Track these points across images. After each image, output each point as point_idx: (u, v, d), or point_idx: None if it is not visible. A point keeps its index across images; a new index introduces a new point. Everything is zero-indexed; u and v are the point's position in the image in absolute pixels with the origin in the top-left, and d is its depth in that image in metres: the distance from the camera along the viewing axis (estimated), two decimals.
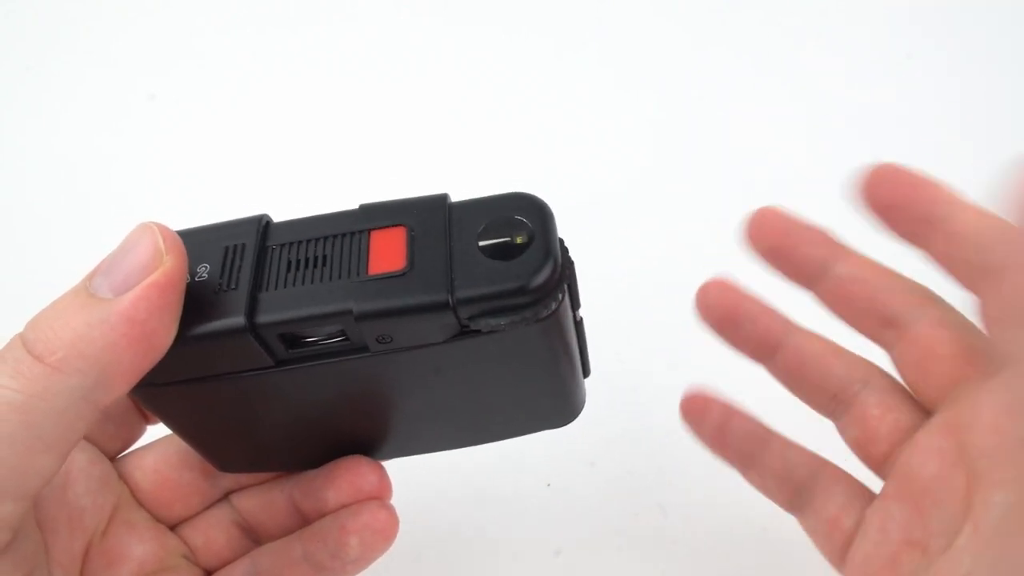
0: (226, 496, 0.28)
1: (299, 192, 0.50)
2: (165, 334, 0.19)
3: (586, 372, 0.25)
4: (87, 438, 0.26)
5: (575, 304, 0.22)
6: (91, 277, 0.19)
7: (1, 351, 0.18)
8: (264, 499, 0.28)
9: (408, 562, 0.34)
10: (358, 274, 0.20)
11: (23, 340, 0.18)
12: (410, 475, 0.30)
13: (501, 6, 0.58)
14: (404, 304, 0.19)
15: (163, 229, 0.20)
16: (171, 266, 0.19)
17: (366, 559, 0.26)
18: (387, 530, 0.26)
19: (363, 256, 0.20)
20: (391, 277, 0.19)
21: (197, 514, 0.28)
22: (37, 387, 0.17)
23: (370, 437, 0.26)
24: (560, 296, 0.20)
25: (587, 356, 0.25)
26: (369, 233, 0.21)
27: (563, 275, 0.20)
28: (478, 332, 0.20)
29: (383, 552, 0.26)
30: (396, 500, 0.27)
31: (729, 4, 0.57)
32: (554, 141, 0.51)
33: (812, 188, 0.49)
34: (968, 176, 0.51)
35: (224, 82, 0.55)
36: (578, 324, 0.23)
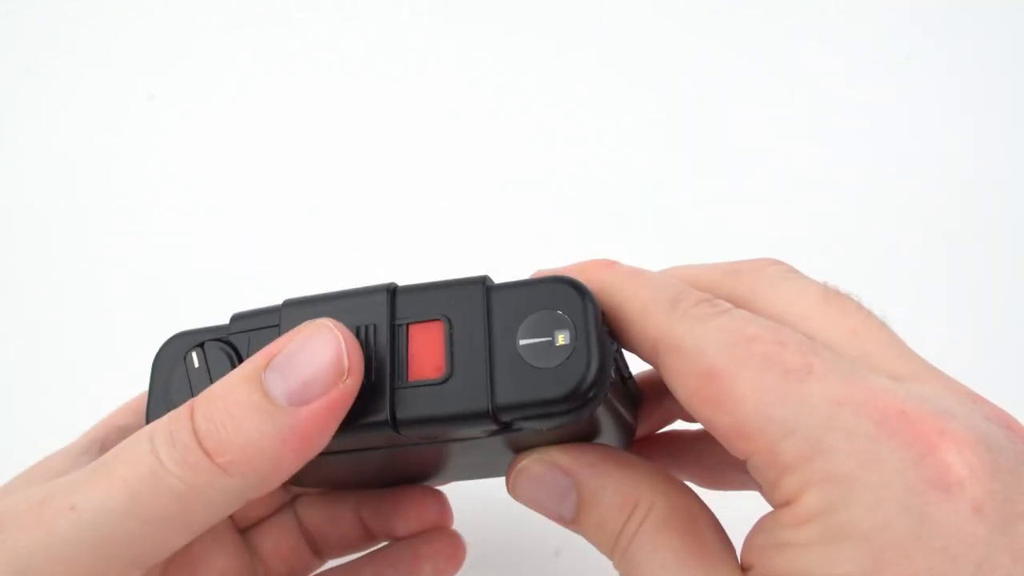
0: (292, 502, 0.29)
1: (299, 192, 0.50)
2: (322, 447, 0.19)
3: (630, 429, 0.24)
4: None
5: (625, 375, 0.22)
6: (264, 367, 0.18)
7: (162, 434, 0.18)
8: (330, 512, 0.29)
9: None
10: (400, 378, 0.20)
11: (195, 429, 0.18)
12: None
13: (501, 7, 0.57)
14: (444, 414, 0.19)
15: (348, 338, 0.19)
16: (352, 387, 0.19)
17: None
18: (457, 557, 0.29)
19: (402, 357, 0.20)
20: (431, 385, 0.20)
21: (267, 517, 0.29)
22: (201, 481, 0.17)
23: (428, 474, 0.28)
24: (603, 393, 0.19)
25: (636, 397, 0.24)
26: (407, 328, 0.20)
27: (604, 374, 0.19)
28: (520, 429, 0.20)
29: None
30: None
31: (728, 4, 0.57)
32: (553, 141, 0.51)
33: (812, 188, 0.49)
34: (968, 176, 0.51)
35: (224, 82, 0.55)
36: (627, 380, 0.23)
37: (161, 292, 0.46)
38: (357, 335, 0.20)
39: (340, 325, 0.19)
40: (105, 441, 0.22)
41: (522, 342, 0.19)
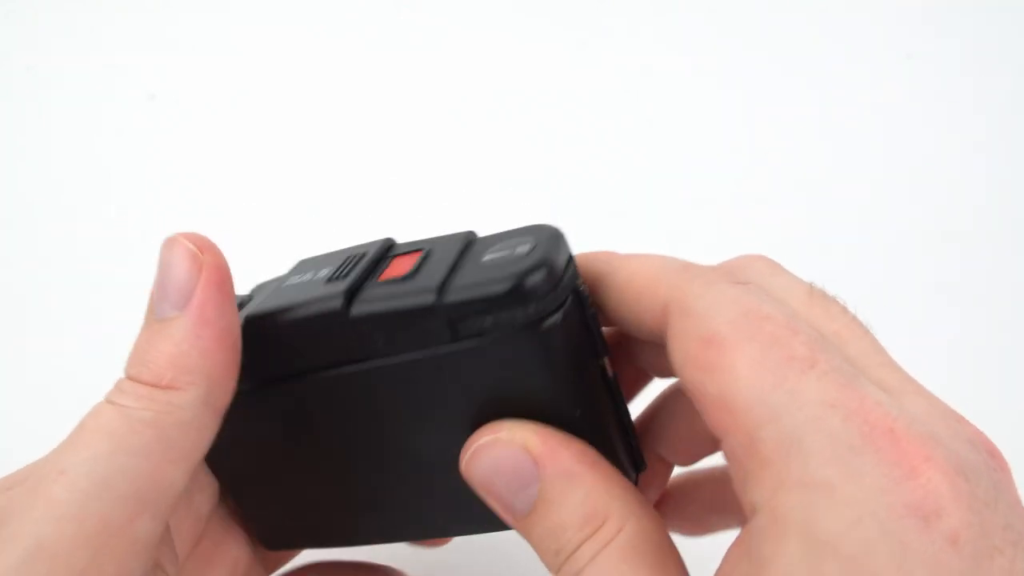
0: None
1: (299, 191, 0.50)
2: (236, 323, 0.20)
3: (638, 463, 0.22)
4: None
5: (599, 350, 0.20)
6: (151, 310, 0.20)
7: (113, 392, 0.20)
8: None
9: (408, 563, 0.34)
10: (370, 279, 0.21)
11: (129, 377, 0.20)
12: None
13: (501, 6, 0.57)
14: (394, 308, 0.20)
15: (187, 235, 0.21)
16: (213, 261, 0.20)
17: None
18: None
19: (379, 271, 0.21)
20: (393, 282, 0.20)
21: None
22: (161, 404, 0.19)
23: (404, 511, 0.25)
24: (555, 308, 0.19)
25: (631, 437, 0.22)
26: (391, 258, 0.22)
27: (559, 286, 0.19)
28: (472, 338, 0.19)
29: None
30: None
31: (728, 5, 0.57)
32: (553, 140, 0.51)
33: (812, 188, 0.49)
34: (968, 175, 0.51)
35: (224, 82, 0.55)
36: (609, 380, 0.21)
37: None
38: (345, 263, 0.22)
39: (180, 232, 0.21)
40: None
41: (486, 257, 0.20)
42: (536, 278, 0.18)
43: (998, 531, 0.14)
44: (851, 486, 0.14)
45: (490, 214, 0.48)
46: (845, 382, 0.16)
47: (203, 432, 0.20)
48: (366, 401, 0.22)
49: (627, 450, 0.21)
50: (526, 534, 0.19)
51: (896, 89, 0.52)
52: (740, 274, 0.20)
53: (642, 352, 0.23)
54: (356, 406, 0.22)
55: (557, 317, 0.19)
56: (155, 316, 0.20)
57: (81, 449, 0.18)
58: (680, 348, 0.17)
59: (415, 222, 0.48)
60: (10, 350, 0.44)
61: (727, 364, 0.16)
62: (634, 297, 0.19)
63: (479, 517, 0.21)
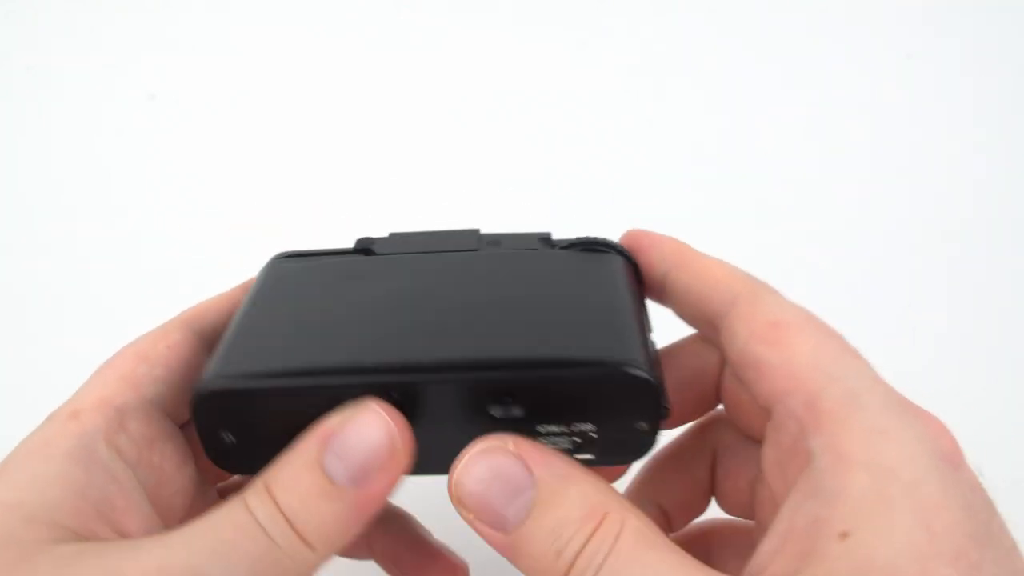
0: None
1: (298, 190, 0.50)
2: (384, 506, 0.21)
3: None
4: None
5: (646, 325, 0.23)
6: (323, 452, 0.20)
7: (260, 517, 0.19)
8: None
9: None
10: None
11: (280, 508, 0.20)
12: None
13: (502, 6, 0.58)
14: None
15: (393, 415, 0.20)
16: (405, 464, 0.20)
17: None
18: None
19: None
20: None
21: None
22: (298, 558, 0.19)
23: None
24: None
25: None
26: None
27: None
28: None
29: None
30: (397, 499, 0.27)
31: (728, 5, 0.57)
32: (554, 144, 0.51)
33: (812, 188, 0.49)
34: (968, 175, 0.51)
35: (224, 82, 0.55)
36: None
37: (160, 291, 0.46)
38: None
39: (384, 404, 0.20)
40: (108, 433, 0.21)
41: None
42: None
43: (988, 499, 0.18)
44: (903, 433, 0.18)
45: (493, 217, 0.48)
46: (878, 373, 0.19)
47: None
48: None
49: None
50: (518, 546, 0.19)
51: (896, 89, 0.52)
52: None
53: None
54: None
55: None
56: (326, 468, 0.20)
57: (218, 558, 0.19)
58: (747, 326, 0.21)
59: (415, 224, 0.48)
60: (10, 350, 0.44)
61: (791, 340, 0.20)
62: (709, 283, 0.23)
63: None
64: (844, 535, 0.17)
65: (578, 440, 0.21)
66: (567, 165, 0.50)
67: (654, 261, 0.25)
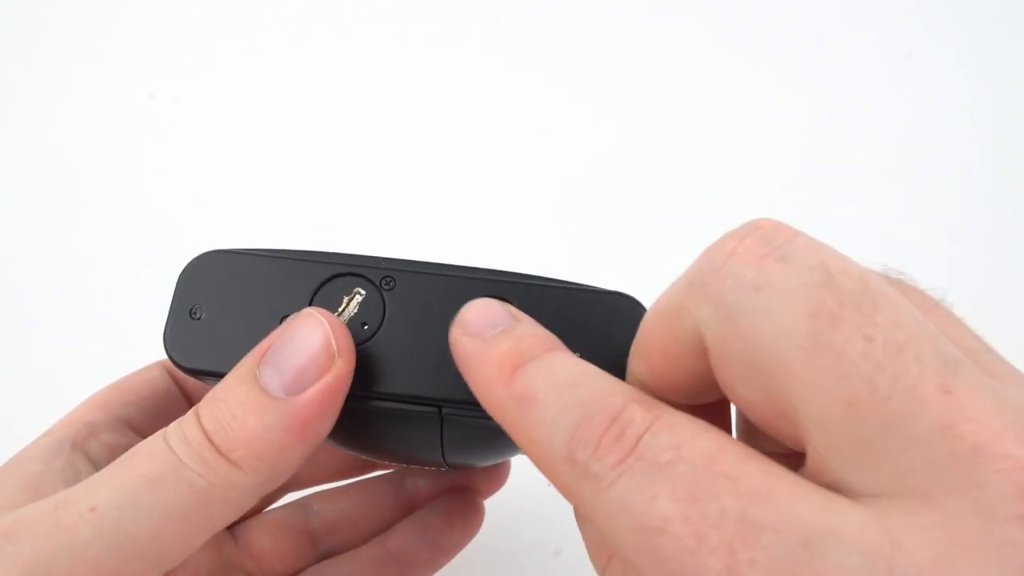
0: (306, 500, 0.29)
1: (298, 192, 0.50)
2: (326, 432, 0.19)
3: None
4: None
5: None
6: (259, 364, 0.19)
7: (182, 428, 0.19)
8: (359, 500, 0.29)
9: None
10: None
11: (204, 431, 0.19)
12: None
13: (500, 6, 0.58)
14: None
15: (334, 324, 0.19)
16: (343, 369, 0.19)
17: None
18: (481, 512, 0.29)
19: None
20: None
21: (268, 509, 0.28)
22: (219, 477, 0.18)
23: None
24: None
25: None
26: None
27: None
28: None
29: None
30: None
31: (728, 4, 0.57)
32: (554, 143, 0.51)
33: (812, 188, 0.49)
34: (969, 175, 0.51)
35: (224, 82, 0.55)
36: None
37: (160, 291, 0.46)
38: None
39: (325, 312, 0.20)
40: (76, 439, 0.22)
41: None
42: None
43: None
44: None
45: (493, 217, 0.48)
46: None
47: (241, 511, 0.19)
48: None
49: None
50: (484, 351, 0.18)
51: (896, 89, 0.52)
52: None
53: None
54: None
55: None
56: (260, 377, 0.19)
57: (121, 490, 0.18)
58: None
59: (415, 224, 0.48)
60: (10, 350, 0.44)
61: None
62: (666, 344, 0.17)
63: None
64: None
65: None
66: (566, 167, 0.50)
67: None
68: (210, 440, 0.18)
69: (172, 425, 0.19)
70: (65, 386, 0.43)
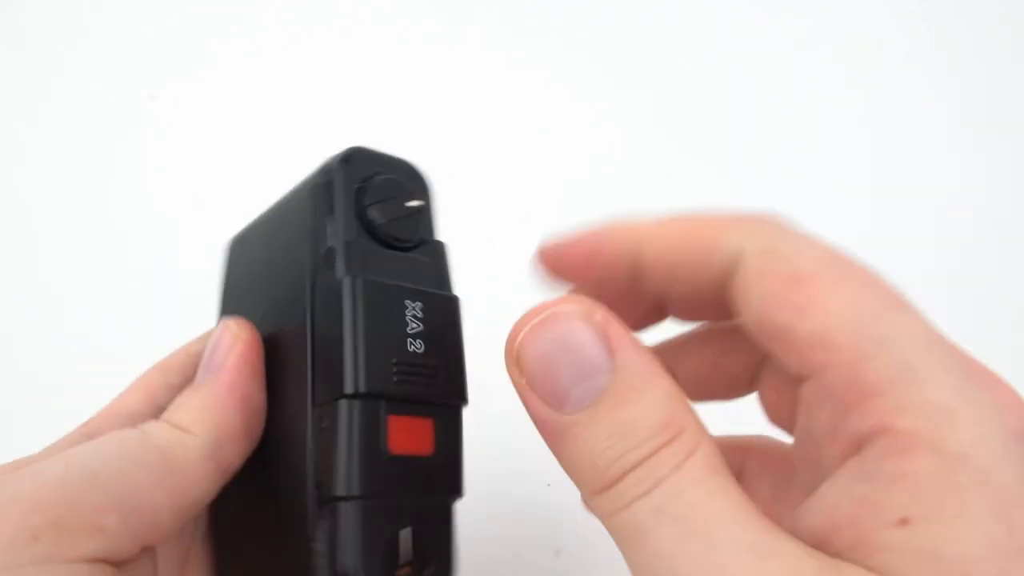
0: None
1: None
2: (259, 395, 0.23)
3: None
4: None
5: None
6: (196, 376, 0.24)
7: (144, 427, 0.22)
8: None
9: None
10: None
11: (158, 419, 0.23)
12: None
13: (499, 7, 0.58)
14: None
15: (232, 318, 0.25)
16: (246, 336, 0.24)
17: None
18: None
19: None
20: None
21: None
22: (176, 437, 0.22)
23: None
24: None
25: None
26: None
27: None
28: None
29: None
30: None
31: (728, 4, 0.57)
32: (554, 143, 0.51)
33: (812, 188, 0.49)
34: (968, 175, 0.51)
35: (224, 82, 0.55)
36: None
37: (159, 291, 0.46)
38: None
39: (230, 317, 0.24)
40: (100, 430, 0.23)
41: None
42: None
43: None
44: (971, 410, 0.14)
45: (492, 215, 0.48)
46: (929, 322, 0.16)
47: (202, 480, 0.22)
48: None
49: None
50: (568, 434, 0.17)
51: (896, 89, 0.52)
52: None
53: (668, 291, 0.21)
54: None
55: None
56: (196, 380, 0.24)
57: (93, 443, 0.20)
58: (760, 288, 0.16)
59: None
60: (10, 349, 0.44)
61: (819, 301, 0.16)
62: (692, 247, 0.18)
63: None
64: (904, 522, 0.14)
65: None
66: (566, 167, 0.50)
67: (608, 256, 0.19)
68: (164, 421, 0.22)
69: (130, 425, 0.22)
70: (65, 386, 0.43)
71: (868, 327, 0.15)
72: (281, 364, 0.23)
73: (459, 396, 0.22)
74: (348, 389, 0.20)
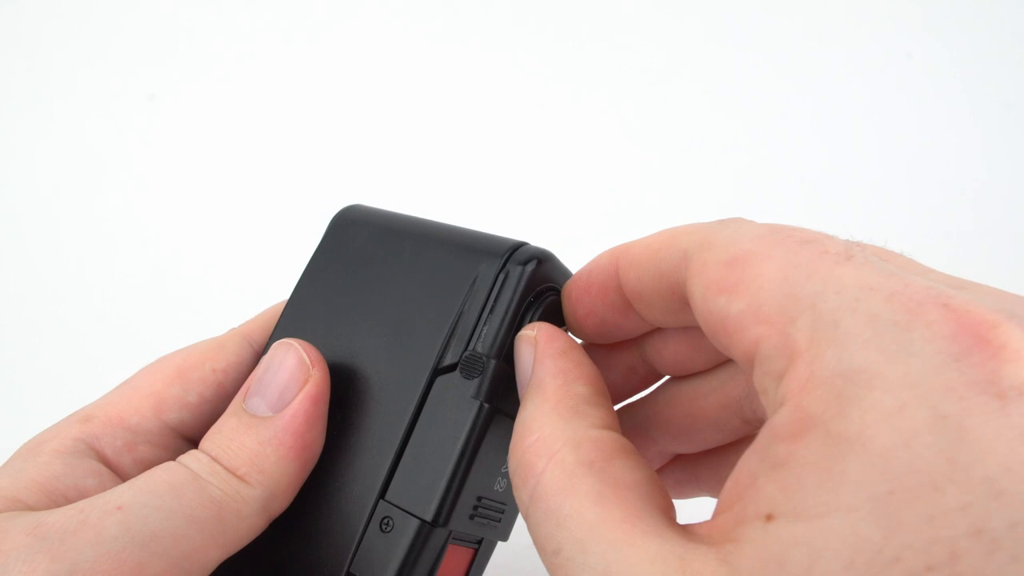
0: None
1: (298, 190, 0.50)
2: (319, 442, 0.21)
3: None
4: None
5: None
6: (244, 398, 0.21)
7: (186, 458, 0.20)
8: None
9: None
10: None
11: (209, 456, 0.20)
12: None
13: (498, 8, 0.58)
14: None
15: (303, 344, 0.21)
16: (320, 377, 0.21)
17: None
18: None
19: None
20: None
21: None
22: (231, 489, 0.19)
23: None
24: None
25: None
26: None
27: None
28: None
29: None
30: None
31: (728, 4, 0.57)
32: (555, 143, 0.51)
33: (811, 188, 0.49)
34: (969, 174, 0.51)
35: (224, 82, 0.55)
36: None
37: (159, 291, 0.46)
38: None
39: (298, 339, 0.21)
40: (111, 446, 0.22)
41: None
42: None
43: None
44: (897, 368, 0.12)
45: (493, 218, 0.48)
46: (886, 272, 0.14)
47: (251, 531, 0.20)
48: None
49: None
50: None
51: (896, 89, 0.52)
52: None
53: (661, 347, 0.22)
54: None
55: None
56: (247, 408, 0.21)
57: (145, 494, 0.18)
58: (701, 279, 0.16)
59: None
60: (9, 349, 0.44)
61: (751, 276, 0.14)
62: (653, 257, 0.18)
63: None
64: (769, 518, 0.12)
65: None
66: (566, 166, 0.50)
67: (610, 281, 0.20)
68: (217, 461, 0.20)
69: (183, 458, 0.20)
70: (65, 386, 0.43)
71: (797, 286, 0.14)
72: (346, 415, 0.21)
73: (505, 537, 0.22)
74: (429, 517, 0.19)
